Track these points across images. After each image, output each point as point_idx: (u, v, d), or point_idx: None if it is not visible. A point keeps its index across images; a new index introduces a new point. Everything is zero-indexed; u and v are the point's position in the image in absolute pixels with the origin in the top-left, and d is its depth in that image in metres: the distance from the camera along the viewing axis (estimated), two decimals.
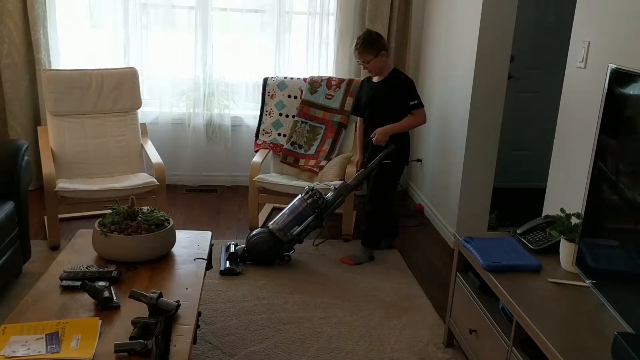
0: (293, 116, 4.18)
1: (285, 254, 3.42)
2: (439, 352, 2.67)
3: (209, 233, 2.72)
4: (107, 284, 2.10)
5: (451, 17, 4.04)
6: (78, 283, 2.11)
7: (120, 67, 4.18)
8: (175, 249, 2.51)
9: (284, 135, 4.17)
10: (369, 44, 3.34)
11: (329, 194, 3.43)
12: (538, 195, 3.04)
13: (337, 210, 3.74)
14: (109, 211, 2.47)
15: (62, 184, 3.44)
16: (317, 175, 3.94)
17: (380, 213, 3.56)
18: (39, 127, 3.95)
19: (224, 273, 3.27)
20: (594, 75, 2.51)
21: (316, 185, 3.65)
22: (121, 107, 3.99)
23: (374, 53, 3.35)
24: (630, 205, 1.88)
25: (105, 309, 2.01)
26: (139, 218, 2.45)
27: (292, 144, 4.12)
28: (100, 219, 2.44)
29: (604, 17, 2.48)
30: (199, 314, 2.43)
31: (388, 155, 3.37)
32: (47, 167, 3.48)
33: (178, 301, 1.98)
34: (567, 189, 2.72)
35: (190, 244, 2.59)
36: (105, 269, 2.25)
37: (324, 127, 4.10)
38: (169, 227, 2.45)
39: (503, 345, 2.10)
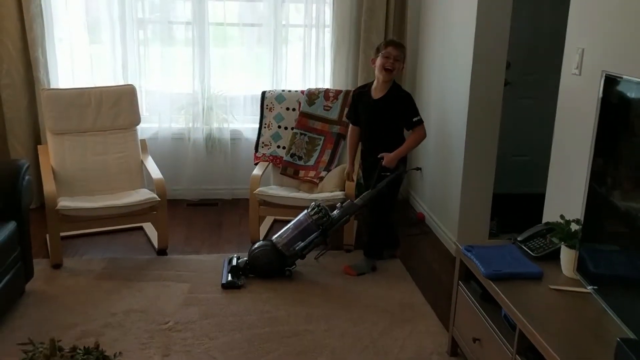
0: (292, 128, 4.20)
1: (287, 268, 3.42)
2: None
3: None
4: None
5: (446, 26, 4.07)
6: None
7: (118, 85, 4.20)
8: None
9: (283, 147, 4.18)
10: (403, 47, 3.41)
11: (334, 212, 3.43)
12: (538, 200, 3.05)
13: None
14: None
15: (64, 202, 3.45)
16: (317, 186, 3.95)
17: (381, 223, 3.56)
18: (39, 146, 3.97)
19: (226, 286, 3.27)
20: (589, 81, 2.53)
21: (320, 196, 3.66)
22: (120, 124, 4.02)
23: (404, 57, 3.42)
24: (629, 210, 1.89)
25: None
26: None
27: (292, 155, 4.13)
28: None
29: (597, 24, 2.50)
30: None
31: (397, 177, 3.39)
32: (48, 186, 3.50)
33: None
34: (566, 195, 2.72)
35: None
36: None
37: (322, 138, 4.12)
38: None
39: (507, 353, 2.10)
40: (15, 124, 4.29)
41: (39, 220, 3.85)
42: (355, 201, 3.44)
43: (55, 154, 3.83)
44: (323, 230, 3.35)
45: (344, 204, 3.44)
